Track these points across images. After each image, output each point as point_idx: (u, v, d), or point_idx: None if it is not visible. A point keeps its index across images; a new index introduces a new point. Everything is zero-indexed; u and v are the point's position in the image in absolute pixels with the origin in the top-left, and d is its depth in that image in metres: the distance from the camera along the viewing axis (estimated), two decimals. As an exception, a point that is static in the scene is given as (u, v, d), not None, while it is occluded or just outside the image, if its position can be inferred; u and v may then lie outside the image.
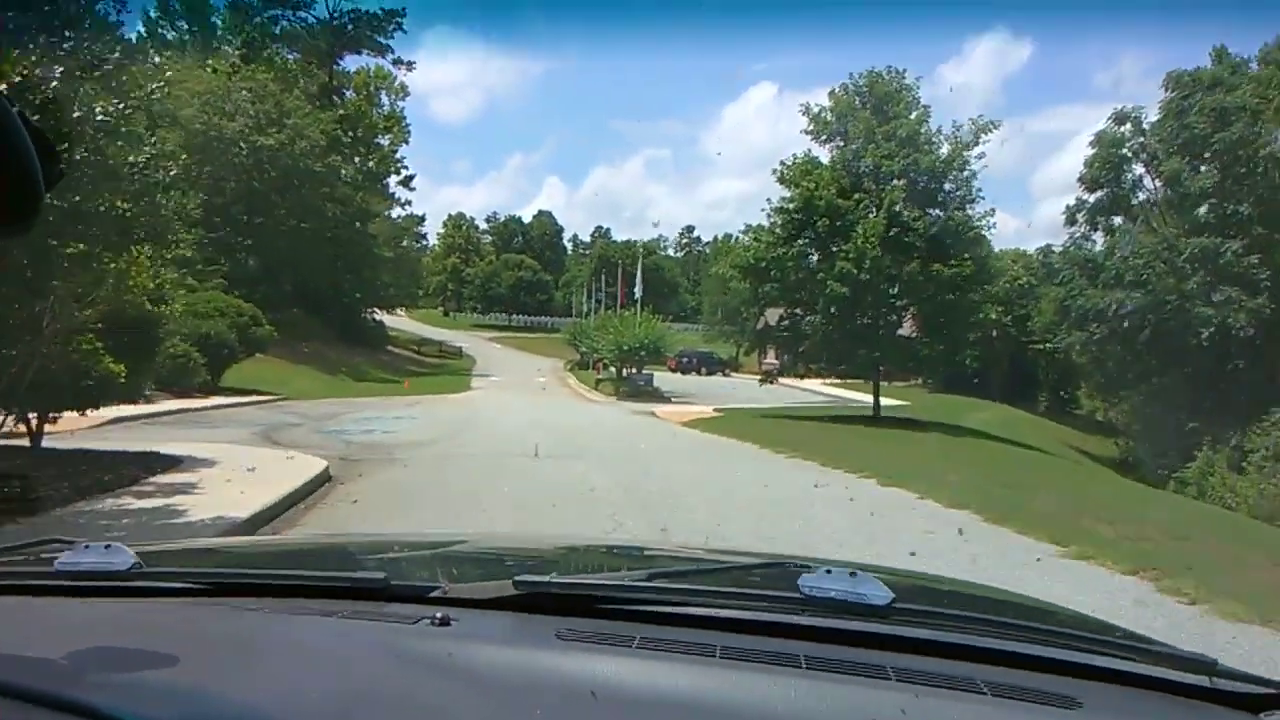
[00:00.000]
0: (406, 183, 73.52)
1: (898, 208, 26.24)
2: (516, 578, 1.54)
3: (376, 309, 69.49)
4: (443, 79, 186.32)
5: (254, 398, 30.68)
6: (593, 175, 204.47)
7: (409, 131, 72.95)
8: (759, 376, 40.51)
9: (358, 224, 59.46)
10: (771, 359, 74.95)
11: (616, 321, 43.43)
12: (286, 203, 52.53)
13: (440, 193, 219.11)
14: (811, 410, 32.83)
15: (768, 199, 28.54)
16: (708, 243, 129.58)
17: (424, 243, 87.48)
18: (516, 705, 1.22)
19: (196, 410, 24.26)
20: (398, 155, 72.47)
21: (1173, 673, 1.41)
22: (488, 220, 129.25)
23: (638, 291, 41.65)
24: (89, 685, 1.24)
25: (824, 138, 28.18)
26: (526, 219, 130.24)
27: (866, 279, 26.14)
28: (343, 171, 58.71)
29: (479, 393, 43.06)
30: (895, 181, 26.57)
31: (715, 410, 30.72)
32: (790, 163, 28.06)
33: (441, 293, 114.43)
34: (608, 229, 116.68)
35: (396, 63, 63.32)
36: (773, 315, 72.98)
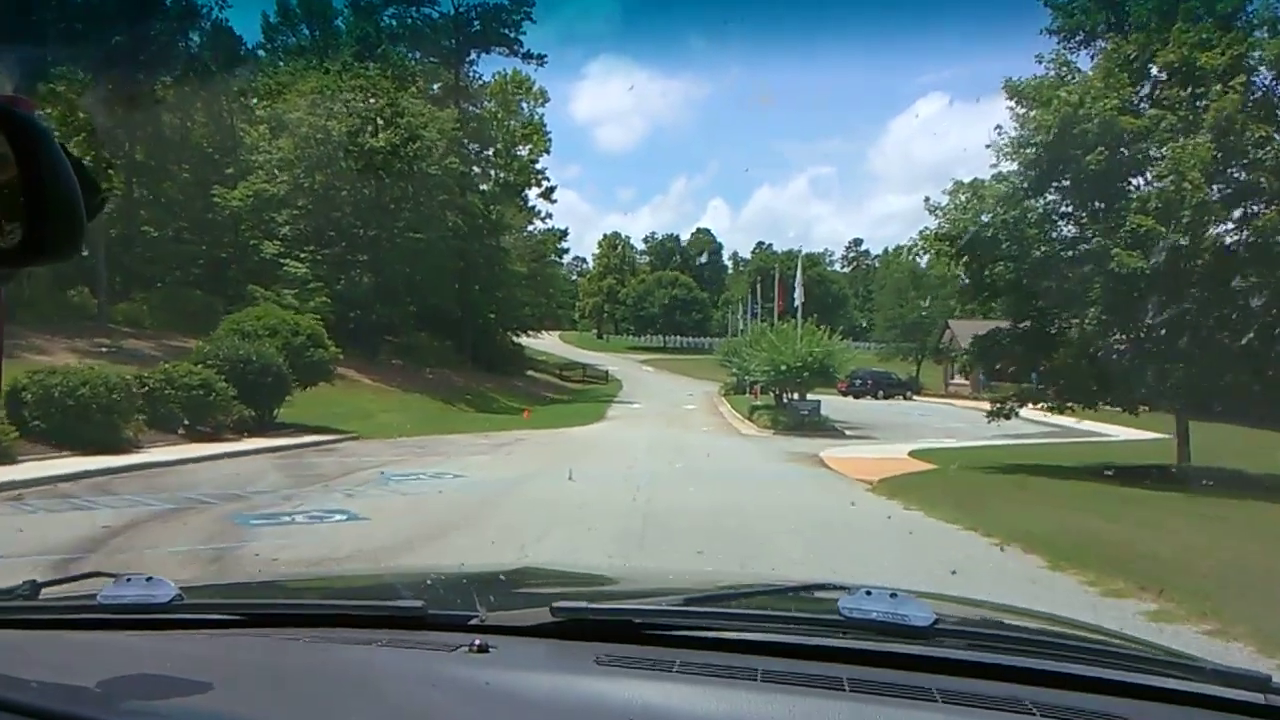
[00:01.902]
0: (548, 195, 66.91)
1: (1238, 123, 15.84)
2: (554, 604, 1.52)
3: (515, 330, 62.95)
4: (606, 107, 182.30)
5: (302, 438, 23.65)
6: (756, 196, 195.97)
7: (549, 140, 66.34)
8: (975, 404, 30.66)
9: (486, 237, 52.79)
10: (960, 378, 64.29)
11: (772, 335, 34.57)
12: (404, 213, 46.16)
13: (605, 220, 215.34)
14: (1054, 453, 23.12)
15: (997, 127, 18.72)
16: (876, 256, 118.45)
17: (565, 259, 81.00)
18: None
19: (124, 472, 16.12)
20: (537, 165, 65.93)
21: (1225, 690, 1.36)
22: (645, 240, 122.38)
23: (797, 297, 32.65)
24: (129, 714, 1.27)
25: (1086, 30, 18.28)
26: (685, 238, 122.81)
27: (1183, 244, 16.01)
28: (469, 174, 52.39)
29: (609, 425, 35.05)
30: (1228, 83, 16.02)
31: (911, 454, 21.50)
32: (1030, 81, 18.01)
33: (597, 315, 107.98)
34: (769, 244, 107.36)
35: (526, 57, 56.56)
36: (968, 328, 62.09)
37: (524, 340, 70.84)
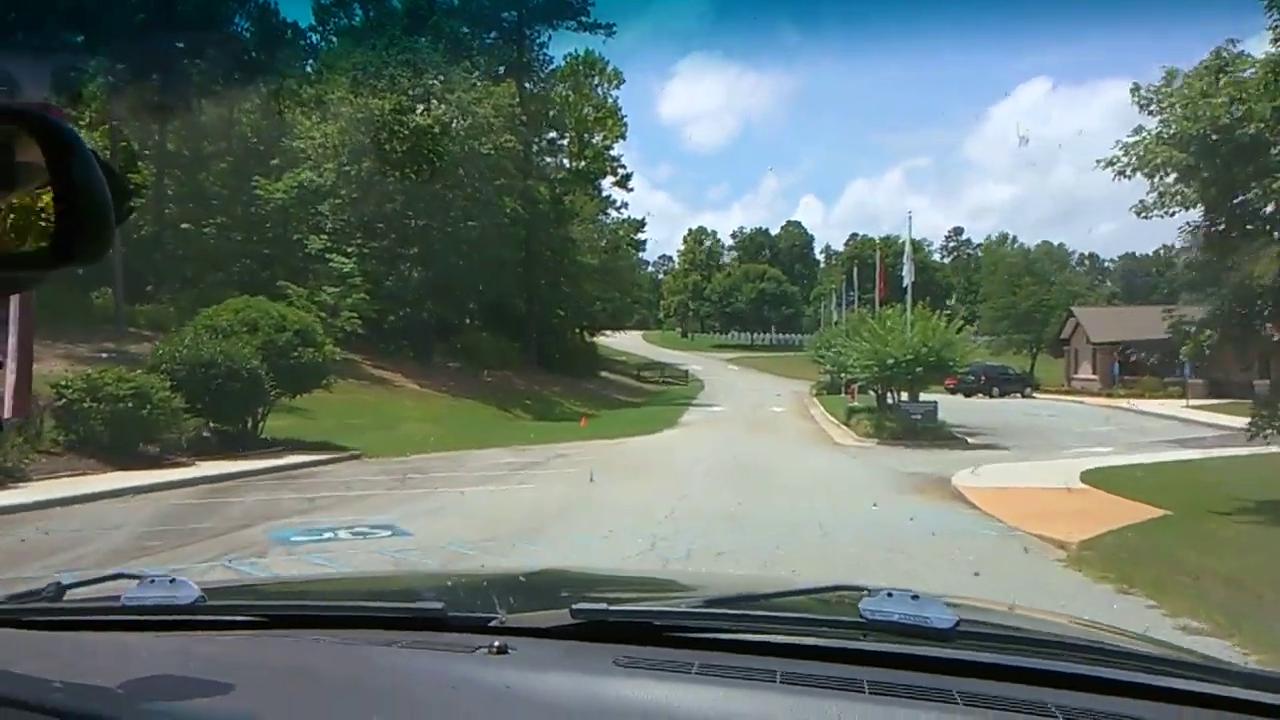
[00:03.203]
0: (623, 183, 61.42)
1: None
2: (574, 606, 1.51)
3: (588, 328, 57.47)
4: (697, 105, 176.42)
5: (278, 460, 18.51)
6: (849, 190, 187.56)
7: (625, 125, 60.84)
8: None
9: (553, 225, 47.41)
10: (1086, 372, 56.43)
11: (874, 322, 28.11)
12: (458, 200, 41.06)
13: (695, 220, 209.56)
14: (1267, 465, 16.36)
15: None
16: (978, 245, 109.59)
17: (649, 257, 74.88)
18: None
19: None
20: (612, 151, 60.48)
21: (1254, 693, 1.32)
22: (733, 235, 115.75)
23: (906, 276, 26.16)
24: (153, 715, 1.27)
25: None
26: (775, 232, 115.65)
27: None
28: (532, 156, 47.14)
29: (678, 433, 29.22)
30: None
31: (1084, 479, 14.99)
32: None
33: (681, 312, 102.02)
34: (865, 235, 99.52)
35: (593, 27, 50.90)
36: (1095, 316, 54.26)
37: (600, 339, 65.50)
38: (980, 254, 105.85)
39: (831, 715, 1.21)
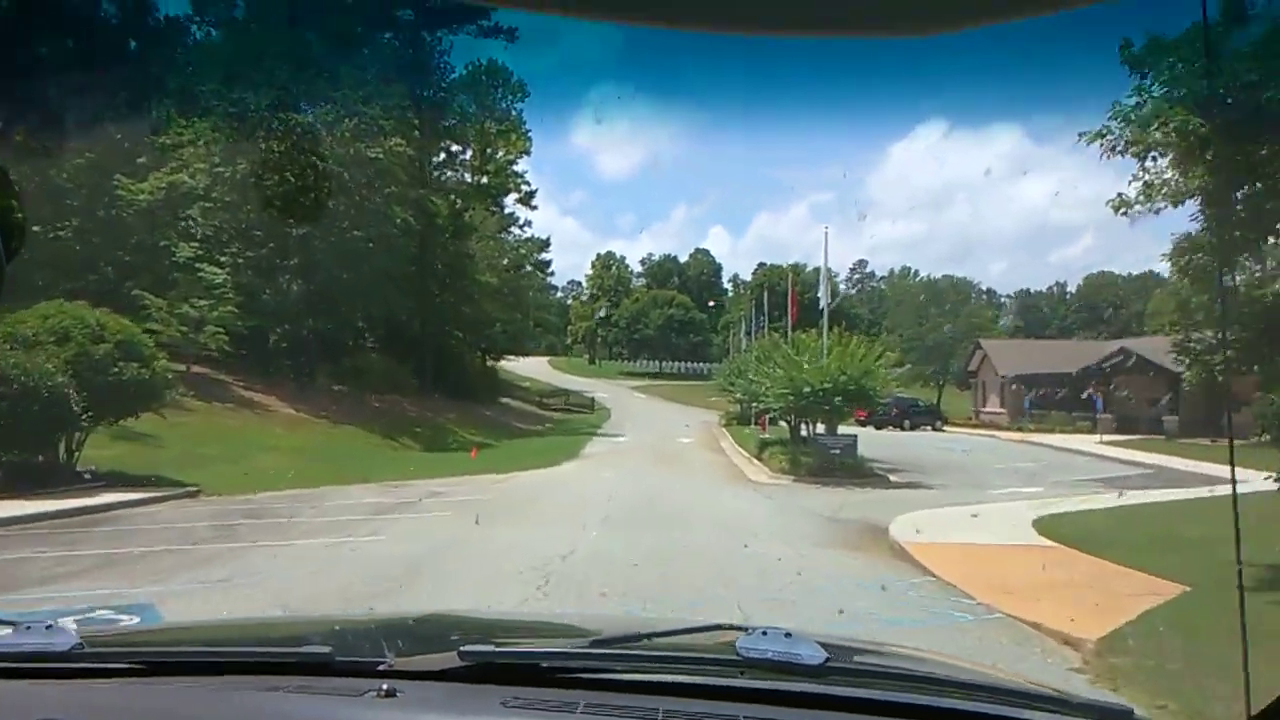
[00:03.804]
0: (526, 200, 58.38)
1: None
2: (462, 649, 1.50)
3: (489, 353, 54.20)
4: (605, 135, 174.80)
5: (76, 500, 15.01)
6: (755, 222, 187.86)
7: (529, 140, 57.82)
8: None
9: (449, 239, 44.22)
10: (994, 406, 55.48)
11: (788, 348, 25.77)
12: (341, 208, 37.59)
13: (607, 246, 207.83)
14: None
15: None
16: (883, 277, 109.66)
17: (555, 279, 71.82)
18: None
19: None
20: (516, 167, 57.50)
21: None
22: (642, 262, 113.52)
23: (824, 298, 23.89)
24: None
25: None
26: (684, 259, 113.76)
27: None
28: (426, 165, 43.98)
29: (578, 466, 26.39)
30: None
31: (1040, 529, 12.63)
32: None
33: (589, 339, 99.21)
34: (774, 263, 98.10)
35: (493, 32, 47.96)
36: (1003, 349, 53.34)
37: (504, 364, 62.22)
38: (884, 287, 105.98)
39: None
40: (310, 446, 27.44)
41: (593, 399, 58.58)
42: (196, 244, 36.73)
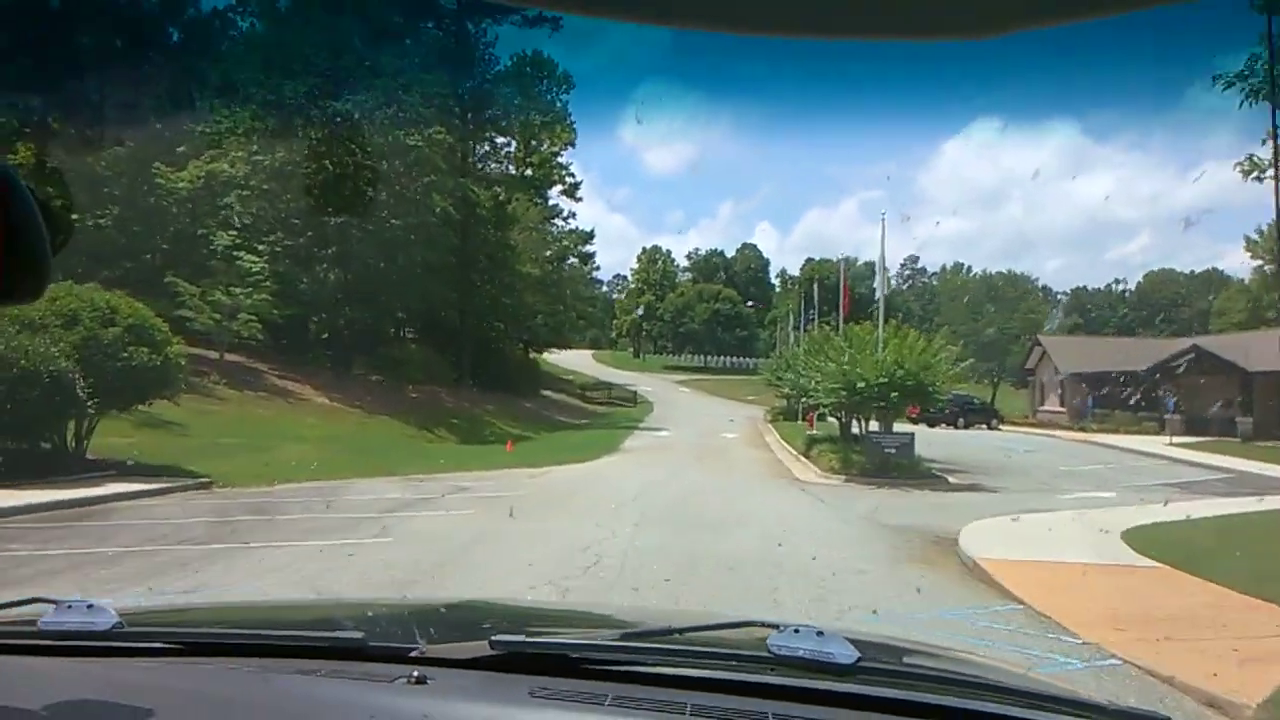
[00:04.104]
0: (571, 192, 57.09)
1: None
2: (493, 638, 1.51)
3: (532, 345, 52.99)
4: (656, 130, 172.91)
5: (87, 490, 13.98)
6: (805, 218, 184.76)
7: (575, 132, 56.43)
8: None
9: (490, 230, 43.00)
10: (1053, 404, 53.05)
11: (840, 340, 24.05)
12: (381, 197, 36.54)
13: (654, 241, 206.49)
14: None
15: None
16: (934, 273, 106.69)
17: (602, 274, 70.14)
18: None
19: None
20: (561, 159, 56.22)
21: None
22: (688, 257, 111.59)
23: (879, 289, 22.19)
24: None
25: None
26: (730, 254, 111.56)
27: None
28: (469, 154, 42.80)
29: (616, 461, 25.01)
30: None
31: (1141, 549, 10.85)
32: None
33: (635, 332, 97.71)
34: (823, 258, 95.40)
35: (539, 20, 46.59)
36: (1063, 345, 51.00)
37: (547, 356, 61.04)
38: (935, 283, 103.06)
39: None
40: (341, 436, 26.39)
41: (635, 392, 57.14)
42: (235, 232, 35.98)
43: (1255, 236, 60.61)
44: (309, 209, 36.16)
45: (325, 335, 38.33)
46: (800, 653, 1.41)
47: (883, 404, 20.84)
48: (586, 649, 1.59)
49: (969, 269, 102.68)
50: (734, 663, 1.54)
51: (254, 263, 34.71)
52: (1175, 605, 7.79)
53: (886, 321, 23.43)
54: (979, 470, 23.74)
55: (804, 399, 29.42)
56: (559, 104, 55.64)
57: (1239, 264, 71.05)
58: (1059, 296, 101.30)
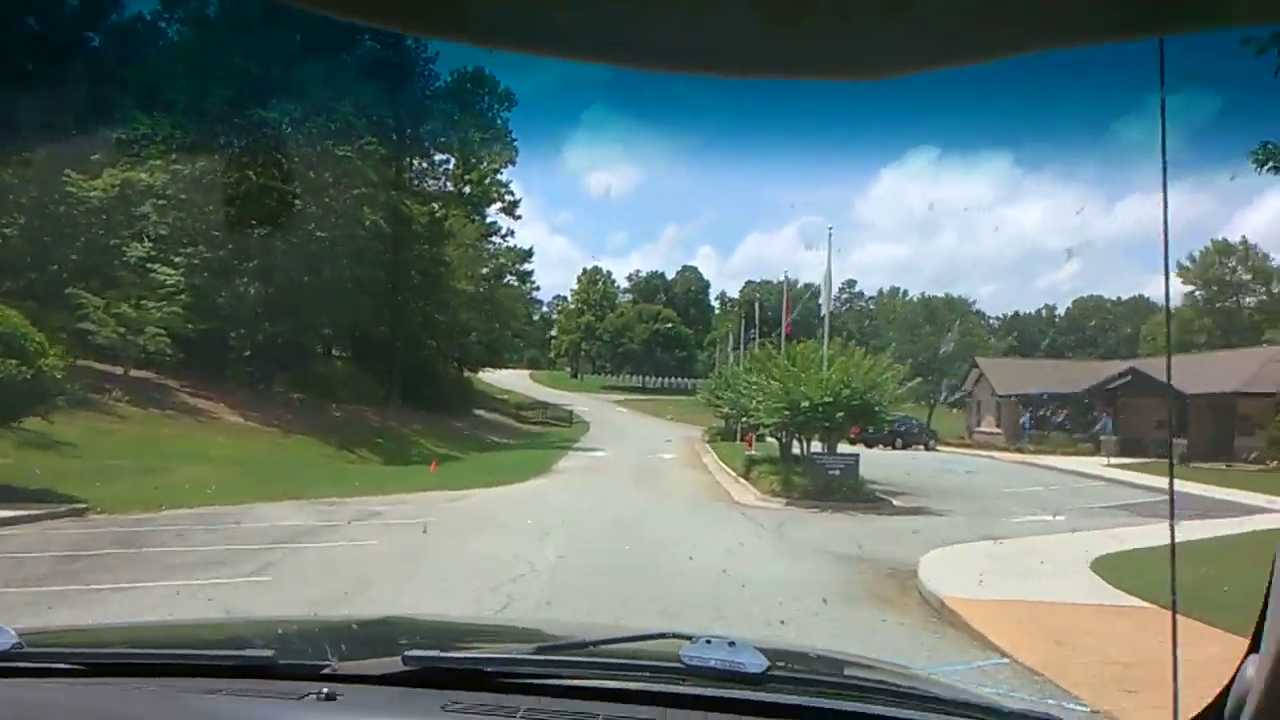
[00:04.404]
0: (510, 210, 55.55)
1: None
2: (406, 654, 1.47)
3: (466, 364, 51.16)
4: (597, 154, 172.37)
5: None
6: (746, 242, 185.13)
7: (515, 149, 54.96)
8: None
9: (423, 245, 41.22)
10: (989, 425, 52.66)
11: (782, 358, 22.84)
12: (309, 209, 34.62)
13: (595, 263, 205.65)
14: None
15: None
16: (871, 297, 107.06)
17: (536, 292, 68.29)
18: None
19: None
20: (501, 177, 54.67)
21: None
22: (629, 278, 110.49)
23: (824, 305, 21.03)
24: None
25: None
26: (671, 276, 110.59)
27: None
28: (404, 167, 41.05)
29: (547, 483, 23.47)
30: None
31: (1116, 583, 9.65)
32: None
33: (573, 352, 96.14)
34: (764, 279, 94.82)
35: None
36: (1000, 367, 50.61)
37: (483, 376, 59.26)
38: (873, 306, 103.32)
39: None
40: (251, 458, 24.40)
41: (571, 412, 55.57)
42: (150, 244, 33.77)
43: (1187, 263, 61.55)
44: (230, 220, 34.00)
45: (242, 351, 36.14)
46: (711, 663, 1.41)
47: (827, 424, 19.60)
48: (500, 663, 1.55)
49: (905, 293, 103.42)
50: (646, 674, 1.52)
51: (169, 275, 32.56)
52: (1183, 657, 6.57)
53: (830, 340, 22.30)
54: (922, 493, 22.67)
55: (744, 419, 28.13)
56: (500, 121, 54.27)
57: (1162, 292, 71.85)
58: (993, 321, 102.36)
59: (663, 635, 1.78)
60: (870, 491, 21.01)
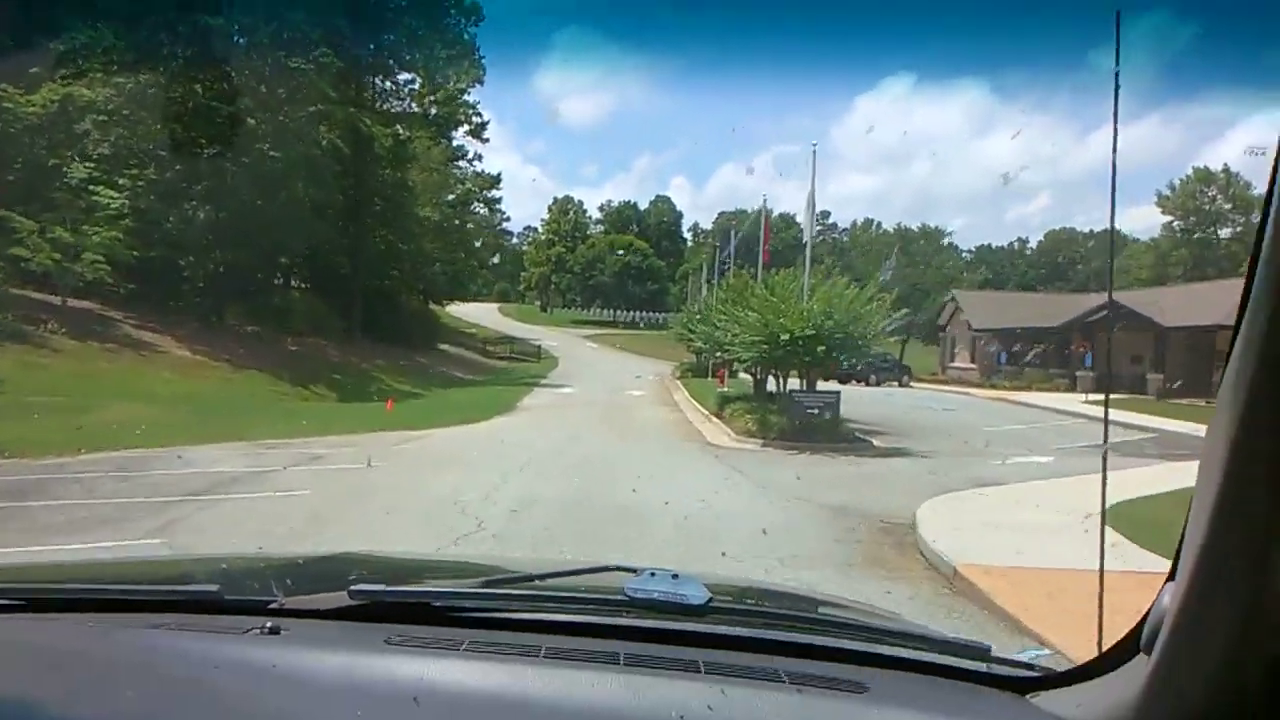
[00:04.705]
0: (477, 133, 53.09)
1: None
2: (352, 588, 1.48)
3: (433, 296, 49.27)
4: (572, 81, 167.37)
5: None
6: (719, 173, 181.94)
7: (483, 68, 52.33)
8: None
9: (384, 168, 39.07)
10: (964, 361, 51.77)
11: (760, 287, 21.36)
12: (261, 127, 32.41)
13: (568, 194, 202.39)
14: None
15: None
16: (845, 229, 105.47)
17: (506, 222, 65.76)
18: (339, 709, 1.20)
19: None
20: (468, 97, 52.10)
21: (951, 659, 1.45)
22: (601, 208, 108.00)
23: (807, 231, 19.51)
24: None
25: None
26: (644, 207, 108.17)
27: None
28: (364, 83, 38.68)
29: (511, 421, 22.13)
30: None
31: (1157, 551, 8.41)
32: None
33: (543, 285, 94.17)
34: (738, 208, 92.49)
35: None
36: (979, 301, 49.51)
37: (451, 309, 57.49)
38: (846, 239, 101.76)
39: (586, 685, 1.26)
40: (196, 394, 22.81)
41: (539, 346, 54.04)
42: (92, 164, 31.46)
43: (1167, 192, 60.15)
44: (177, 139, 31.78)
45: (192, 280, 34.17)
46: (655, 595, 1.44)
47: (808, 359, 18.24)
48: (447, 596, 1.56)
49: (879, 225, 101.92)
50: (590, 606, 1.54)
51: (112, 198, 30.41)
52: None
53: (812, 269, 20.81)
54: (902, 432, 21.52)
55: (719, 353, 26.73)
56: (467, 36, 51.48)
57: (1138, 224, 70.99)
58: (965, 254, 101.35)
59: (608, 568, 1.79)
60: (849, 431, 19.80)
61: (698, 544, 8.34)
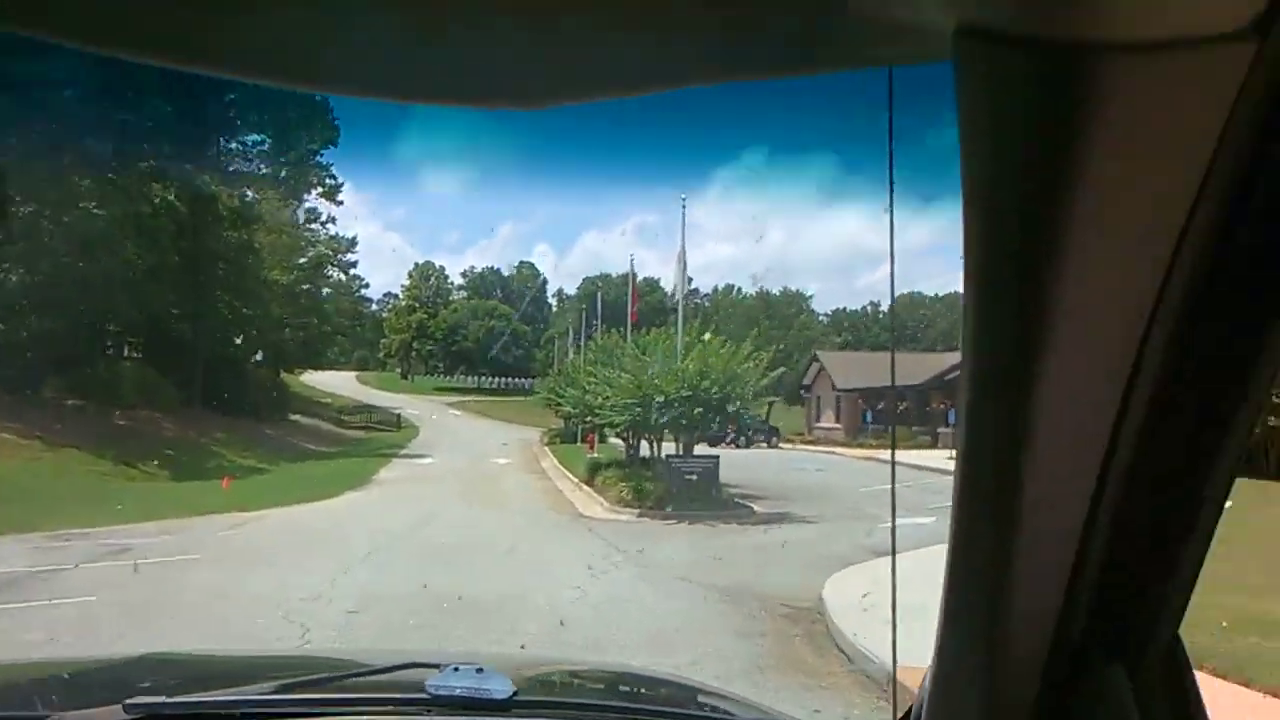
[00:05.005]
0: (331, 195, 50.46)
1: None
2: (127, 701, 1.35)
3: (283, 364, 46.18)
4: (433, 147, 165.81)
5: None
6: (582, 240, 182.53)
7: (337, 129, 50.10)
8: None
9: (227, 229, 36.40)
10: (829, 421, 51.94)
11: (631, 347, 20.15)
12: (82, 184, 29.50)
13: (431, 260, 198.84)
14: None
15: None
16: (706, 294, 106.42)
17: (365, 289, 62.86)
18: None
19: None
20: (321, 159, 49.66)
21: None
22: (463, 275, 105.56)
23: (679, 290, 18.58)
24: None
25: None
26: (507, 274, 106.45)
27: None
28: (207, 139, 36.05)
29: (363, 498, 20.12)
30: None
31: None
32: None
33: (404, 352, 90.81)
34: (603, 272, 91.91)
35: None
36: (842, 361, 49.84)
37: (307, 378, 54.20)
38: (708, 304, 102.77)
39: None
40: (-7, 477, 19.76)
41: (399, 415, 51.31)
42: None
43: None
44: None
45: (8, 352, 30.56)
46: (457, 691, 1.37)
47: (684, 421, 17.02)
48: (231, 705, 1.43)
49: (739, 290, 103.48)
50: (390, 708, 1.46)
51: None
52: None
53: (685, 327, 19.77)
54: (781, 495, 20.51)
55: (589, 418, 25.27)
56: (319, 98, 49.30)
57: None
58: (821, 318, 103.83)
59: (411, 665, 1.69)
60: (729, 497, 18.66)
61: (578, 654, 6.79)
